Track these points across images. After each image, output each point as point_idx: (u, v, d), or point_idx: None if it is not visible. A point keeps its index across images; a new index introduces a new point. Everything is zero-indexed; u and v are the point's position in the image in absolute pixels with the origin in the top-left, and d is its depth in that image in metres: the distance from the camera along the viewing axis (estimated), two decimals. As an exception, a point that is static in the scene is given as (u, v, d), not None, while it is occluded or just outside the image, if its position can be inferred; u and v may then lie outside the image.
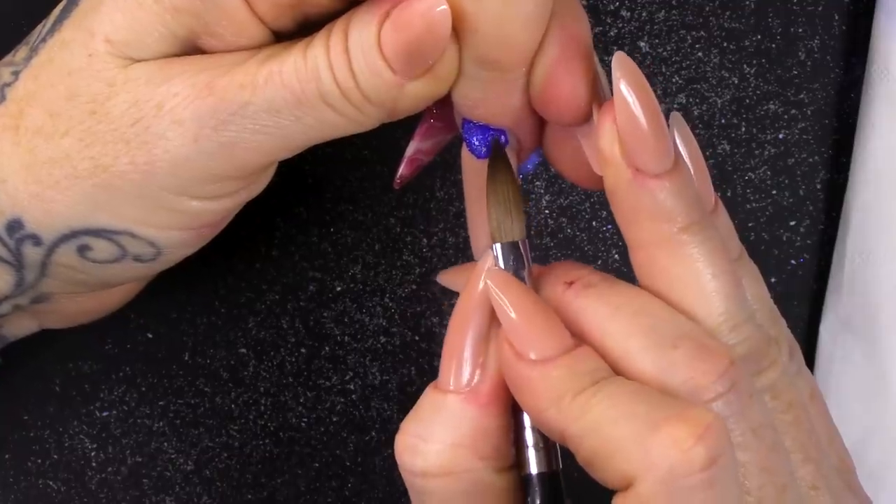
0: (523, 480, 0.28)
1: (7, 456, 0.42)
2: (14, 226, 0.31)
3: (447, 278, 0.31)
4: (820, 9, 0.43)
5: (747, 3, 0.42)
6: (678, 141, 0.29)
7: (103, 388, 0.42)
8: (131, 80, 0.29)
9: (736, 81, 0.43)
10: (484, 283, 0.27)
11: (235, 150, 0.29)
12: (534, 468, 0.27)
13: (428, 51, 0.27)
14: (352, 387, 0.43)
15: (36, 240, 0.31)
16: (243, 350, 0.43)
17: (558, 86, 0.28)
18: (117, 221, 0.30)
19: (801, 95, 0.43)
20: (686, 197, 0.27)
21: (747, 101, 0.43)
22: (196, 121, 0.28)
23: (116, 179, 0.29)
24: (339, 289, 0.43)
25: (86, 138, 0.29)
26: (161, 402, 0.42)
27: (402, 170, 0.33)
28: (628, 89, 0.27)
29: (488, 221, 0.29)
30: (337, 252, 0.42)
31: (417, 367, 0.43)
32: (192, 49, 0.29)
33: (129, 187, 0.29)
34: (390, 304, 0.43)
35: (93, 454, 0.42)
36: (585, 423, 0.25)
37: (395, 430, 0.43)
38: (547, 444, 0.28)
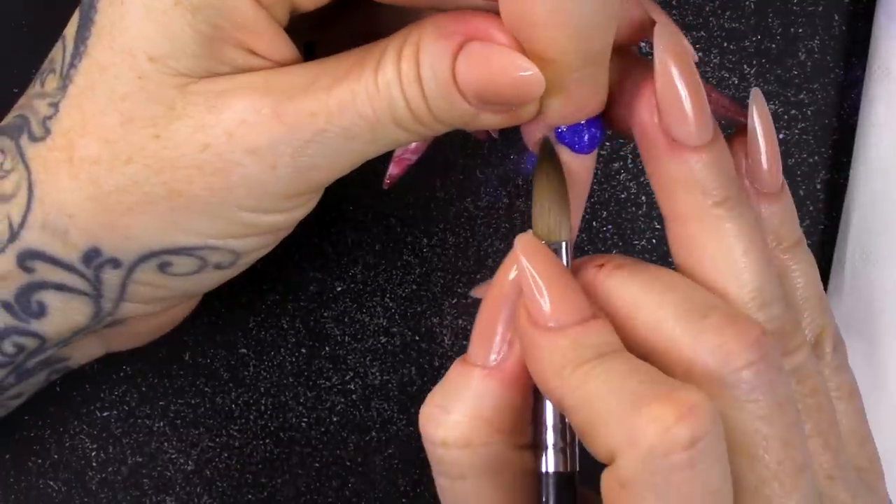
0: (539, 477, 0.28)
1: (7, 456, 0.42)
2: (91, 255, 0.30)
3: (482, 292, 0.31)
4: (820, 9, 0.43)
5: (747, 3, 0.42)
6: (754, 116, 0.29)
7: (103, 388, 0.42)
8: (191, 104, 0.29)
9: (736, 81, 0.43)
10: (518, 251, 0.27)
11: (311, 173, 0.29)
12: (550, 467, 0.27)
13: (510, 101, 0.27)
14: (352, 387, 0.43)
15: (115, 263, 0.30)
16: (243, 350, 0.43)
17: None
18: (196, 238, 0.30)
19: (801, 95, 0.43)
20: (722, 171, 0.27)
21: (747, 101, 0.43)
22: (272, 149, 0.28)
23: (193, 203, 0.29)
24: (339, 289, 0.42)
25: (153, 164, 0.29)
26: (161, 402, 0.42)
27: (391, 170, 0.33)
28: (669, 59, 0.27)
29: (532, 220, 0.29)
30: (337, 252, 0.42)
31: (417, 367, 0.43)
32: (223, 47, 0.29)
33: (207, 209, 0.29)
34: (390, 304, 0.43)
35: (93, 454, 0.42)
36: (581, 395, 0.25)
37: (396, 430, 0.43)
38: (566, 444, 0.28)
